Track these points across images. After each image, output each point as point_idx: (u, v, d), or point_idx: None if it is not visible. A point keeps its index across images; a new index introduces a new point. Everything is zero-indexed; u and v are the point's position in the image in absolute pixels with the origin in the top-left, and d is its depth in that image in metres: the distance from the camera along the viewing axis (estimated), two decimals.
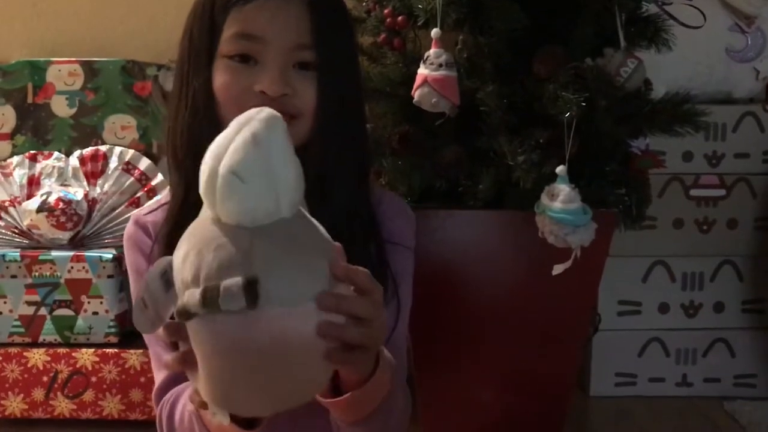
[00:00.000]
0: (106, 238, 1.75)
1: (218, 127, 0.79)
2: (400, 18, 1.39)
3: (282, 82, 0.80)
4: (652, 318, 1.89)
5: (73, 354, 1.67)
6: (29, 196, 1.76)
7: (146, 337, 0.87)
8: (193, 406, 0.69)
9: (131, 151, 1.82)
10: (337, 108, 0.84)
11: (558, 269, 1.29)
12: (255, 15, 0.80)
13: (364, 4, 1.52)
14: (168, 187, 0.95)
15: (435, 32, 1.26)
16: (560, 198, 1.24)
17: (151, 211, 0.91)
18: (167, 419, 0.81)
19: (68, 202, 1.71)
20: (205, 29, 0.82)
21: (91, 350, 1.67)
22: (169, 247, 0.78)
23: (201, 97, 0.82)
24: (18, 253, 1.67)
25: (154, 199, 0.95)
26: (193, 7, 0.86)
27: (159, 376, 0.86)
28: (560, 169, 1.25)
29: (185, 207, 0.81)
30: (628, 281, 1.88)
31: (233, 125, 0.57)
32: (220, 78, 0.81)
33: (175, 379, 0.83)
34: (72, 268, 1.66)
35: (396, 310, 0.89)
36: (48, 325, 1.68)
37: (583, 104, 1.23)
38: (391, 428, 0.79)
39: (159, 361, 0.86)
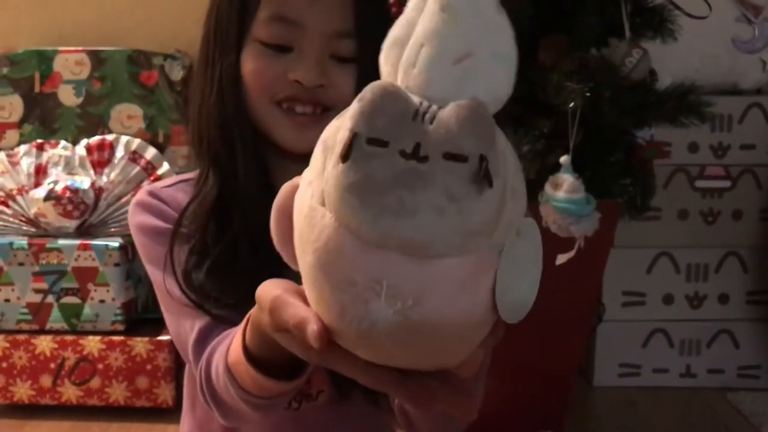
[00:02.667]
0: (113, 227, 1.76)
1: (245, 113, 0.74)
2: (405, 7, 1.39)
3: (319, 72, 0.73)
4: (656, 309, 1.90)
5: (80, 341, 1.68)
6: (36, 185, 1.77)
7: (168, 303, 0.79)
8: (223, 363, 0.63)
9: (137, 141, 1.83)
10: None
11: (561, 259, 1.29)
12: None
13: None
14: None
15: None
16: (564, 188, 1.24)
17: (167, 186, 0.84)
18: (206, 379, 0.72)
19: (75, 191, 1.72)
20: (235, 6, 0.75)
21: (98, 338, 1.69)
22: (209, 227, 0.74)
23: (228, 81, 0.75)
24: (25, 242, 1.69)
25: (169, 178, 0.90)
26: None
27: (194, 328, 0.75)
28: (564, 159, 1.25)
29: (223, 196, 0.76)
30: (632, 272, 1.88)
31: None
32: (251, 63, 0.74)
33: (212, 327, 0.74)
34: (79, 256, 1.67)
35: None
36: (55, 312, 1.69)
37: (588, 94, 1.23)
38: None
39: (191, 316, 0.76)
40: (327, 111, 0.74)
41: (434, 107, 0.40)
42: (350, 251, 0.40)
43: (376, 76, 0.76)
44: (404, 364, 0.44)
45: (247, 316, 0.57)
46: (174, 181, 0.85)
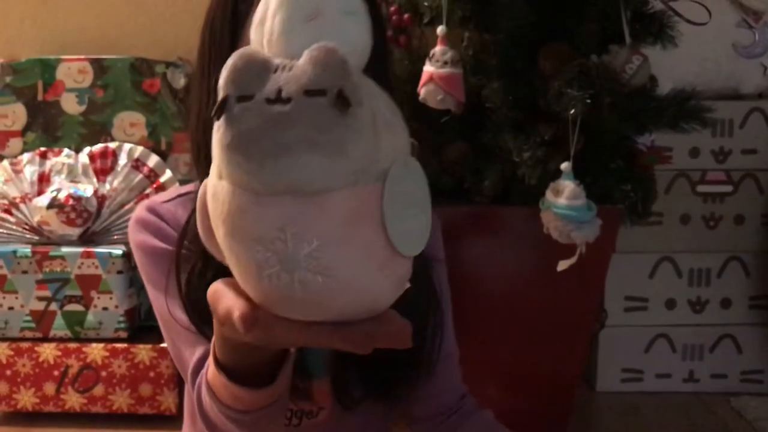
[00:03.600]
0: (116, 235, 1.77)
1: None
2: (406, 16, 1.40)
3: None
4: (658, 314, 1.89)
5: (84, 349, 1.69)
6: (40, 193, 1.78)
7: (167, 326, 0.79)
8: (204, 381, 0.64)
9: (140, 148, 1.83)
10: None
11: (563, 265, 1.29)
12: None
13: None
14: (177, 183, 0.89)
15: (441, 30, 1.26)
16: (565, 194, 1.24)
17: (167, 201, 0.84)
18: (198, 403, 0.73)
19: (78, 199, 1.73)
20: (228, 18, 0.76)
21: (101, 345, 1.69)
22: (195, 254, 0.73)
23: None
24: (29, 249, 1.70)
25: (168, 190, 0.88)
26: None
27: (193, 356, 0.77)
28: (565, 166, 1.25)
29: None
30: (634, 277, 1.88)
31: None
32: None
33: (207, 355, 0.73)
34: (82, 264, 1.68)
35: (440, 325, 0.85)
36: (59, 320, 1.70)
37: (588, 101, 1.23)
38: None
39: (189, 342, 0.78)
40: None
41: (293, 61, 0.43)
42: (248, 208, 0.43)
43: (374, 77, 0.76)
44: (333, 313, 0.46)
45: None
46: (173, 194, 0.85)
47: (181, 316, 0.76)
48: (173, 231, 0.79)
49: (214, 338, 0.59)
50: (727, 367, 1.91)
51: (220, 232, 0.46)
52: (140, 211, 0.83)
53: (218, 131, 0.43)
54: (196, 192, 0.79)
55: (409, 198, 0.45)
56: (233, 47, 0.73)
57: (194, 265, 0.74)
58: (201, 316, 0.74)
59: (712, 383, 1.91)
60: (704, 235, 1.86)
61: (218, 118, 0.43)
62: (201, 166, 0.78)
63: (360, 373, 0.78)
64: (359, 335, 0.46)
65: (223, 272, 0.64)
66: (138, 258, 0.82)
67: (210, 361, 0.62)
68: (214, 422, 0.68)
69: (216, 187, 0.45)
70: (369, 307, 0.47)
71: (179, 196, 0.84)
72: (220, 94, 0.44)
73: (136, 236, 0.82)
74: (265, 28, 0.46)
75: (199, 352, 0.76)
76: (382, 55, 0.83)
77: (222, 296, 0.50)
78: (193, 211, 0.78)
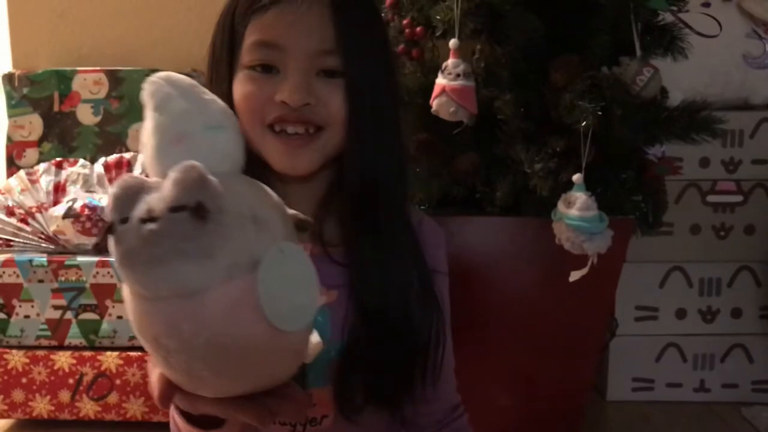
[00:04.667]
0: None
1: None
2: (418, 29, 1.41)
3: (304, 91, 0.74)
4: (669, 323, 1.90)
5: (98, 357, 1.70)
6: (55, 203, 1.80)
7: None
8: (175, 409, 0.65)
9: None
10: (370, 117, 0.77)
11: (575, 276, 1.29)
12: (274, 22, 0.75)
13: (382, 15, 1.54)
14: None
15: (453, 43, 1.28)
16: (577, 205, 1.24)
17: None
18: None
19: (93, 209, 1.74)
20: (226, 40, 0.78)
21: (116, 353, 1.70)
22: None
23: None
24: (45, 259, 1.71)
25: None
26: (218, 18, 0.82)
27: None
28: (577, 177, 1.26)
29: None
30: (645, 287, 1.88)
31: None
32: (240, 89, 0.77)
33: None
34: (97, 273, 1.70)
35: (442, 336, 0.87)
36: (74, 328, 1.71)
37: (599, 113, 1.24)
38: None
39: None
40: (320, 130, 0.76)
41: (162, 180, 0.50)
42: (144, 311, 0.50)
43: (364, 88, 0.78)
44: (239, 389, 0.53)
45: None
46: None
47: None
48: None
49: None
50: (738, 376, 1.91)
51: (133, 328, 0.53)
52: None
53: (111, 250, 0.50)
54: None
55: (286, 280, 0.51)
56: (230, 67, 0.78)
57: None
58: None
59: (723, 393, 1.91)
60: (715, 245, 1.86)
61: (105, 242, 0.52)
62: None
63: (363, 381, 0.78)
64: (261, 411, 0.53)
65: None
66: None
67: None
68: None
69: (123, 291, 0.52)
70: (270, 380, 0.54)
71: None
72: (108, 220, 0.51)
73: None
74: (145, 151, 0.54)
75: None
76: (390, 69, 0.84)
77: (151, 373, 0.57)
78: None
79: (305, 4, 0.74)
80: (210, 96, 0.57)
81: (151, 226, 0.47)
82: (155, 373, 0.55)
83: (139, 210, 0.48)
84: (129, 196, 0.49)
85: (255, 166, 0.77)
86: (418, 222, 0.88)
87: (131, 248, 0.48)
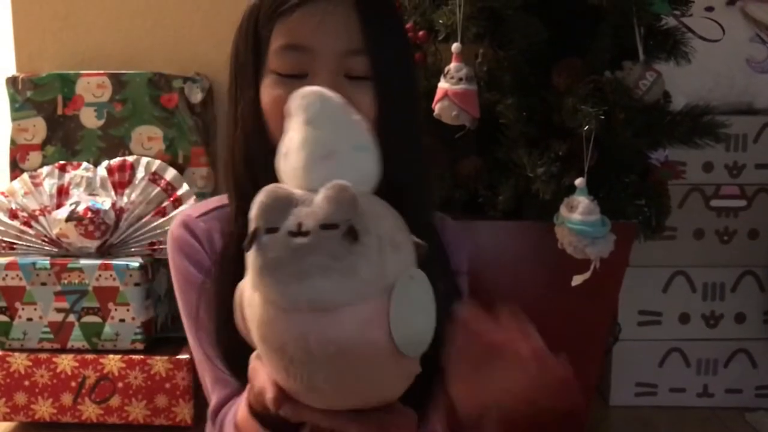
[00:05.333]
0: (133, 247, 1.78)
1: (267, 146, 0.74)
2: (421, 33, 1.42)
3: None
4: (672, 328, 1.89)
5: (101, 360, 1.70)
6: (59, 206, 1.79)
7: (197, 356, 0.83)
8: (233, 423, 0.70)
9: (157, 162, 1.85)
10: (398, 120, 0.77)
11: (577, 280, 1.30)
12: (301, 24, 0.75)
13: None
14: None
15: (455, 47, 1.28)
16: (579, 210, 1.25)
17: (202, 215, 0.86)
18: None
19: (96, 212, 1.74)
20: (250, 45, 0.78)
21: (118, 356, 1.71)
22: (230, 270, 0.75)
23: (249, 116, 0.78)
24: (48, 261, 1.71)
25: (204, 201, 0.88)
26: (240, 23, 0.81)
27: (213, 395, 0.82)
28: (579, 182, 1.26)
29: (245, 232, 0.78)
30: (648, 291, 1.88)
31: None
32: (268, 93, 0.77)
33: (226, 400, 0.80)
34: (100, 276, 1.70)
35: None
36: (76, 331, 1.71)
37: (602, 117, 1.25)
38: None
39: (211, 377, 0.82)
40: None
41: (311, 195, 0.52)
42: (276, 321, 0.52)
43: (392, 90, 0.79)
44: (351, 403, 0.56)
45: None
46: (208, 208, 0.86)
47: (209, 348, 0.79)
48: (206, 255, 0.81)
49: (248, 392, 0.66)
50: (741, 381, 1.91)
51: (253, 334, 0.55)
52: (177, 227, 0.84)
53: (251, 257, 0.52)
54: (226, 207, 0.83)
55: (414, 306, 0.54)
56: (256, 72, 0.77)
57: (220, 302, 0.76)
58: (228, 355, 0.77)
59: (727, 398, 1.91)
60: (718, 250, 1.86)
61: (249, 248, 0.52)
62: (229, 182, 0.82)
63: None
64: (372, 425, 0.56)
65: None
66: (173, 276, 0.85)
67: (242, 408, 0.68)
68: None
69: (252, 297, 0.54)
70: (380, 398, 0.57)
71: (214, 209, 0.86)
72: (251, 226, 0.52)
73: (173, 256, 0.84)
74: (289, 161, 0.56)
75: (221, 393, 0.80)
76: (413, 71, 0.84)
77: (258, 374, 0.60)
78: (224, 246, 0.80)
79: (331, 4, 0.75)
80: (357, 116, 0.59)
81: (301, 240, 0.50)
82: (261, 377, 0.59)
83: (290, 223, 0.51)
84: (278, 206, 0.52)
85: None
86: (440, 224, 0.89)
87: (277, 259, 0.50)
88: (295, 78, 0.75)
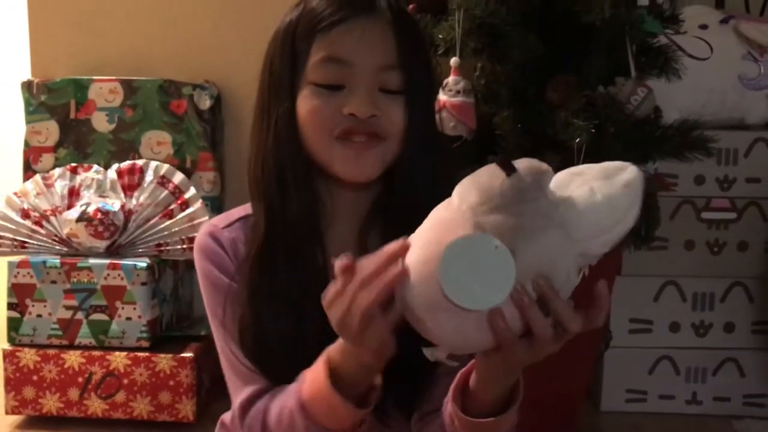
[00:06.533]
0: (141, 248, 1.83)
1: (300, 154, 0.81)
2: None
3: (371, 104, 0.79)
4: (663, 336, 1.93)
5: (107, 356, 1.76)
6: (69, 207, 1.84)
7: (224, 356, 0.87)
8: (294, 402, 0.75)
9: (166, 166, 1.90)
10: (424, 130, 0.83)
11: None
12: (342, 39, 0.79)
13: None
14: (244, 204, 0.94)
15: (454, 61, 1.34)
16: None
17: (227, 226, 0.89)
18: (261, 427, 0.81)
19: (106, 213, 1.79)
20: (287, 57, 0.82)
21: (124, 353, 1.76)
22: (255, 274, 0.82)
23: (284, 126, 0.82)
24: (58, 260, 1.77)
25: (228, 213, 0.93)
26: (273, 36, 0.85)
27: (242, 392, 0.85)
28: None
29: (270, 236, 0.82)
30: (640, 300, 1.92)
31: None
32: (307, 104, 0.80)
33: (258, 394, 0.83)
34: (108, 275, 1.75)
35: None
36: (84, 328, 1.77)
37: (593, 130, 1.30)
38: None
39: (240, 375, 0.85)
40: (382, 140, 0.81)
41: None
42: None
43: (422, 104, 0.85)
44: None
45: (324, 354, 0.73)
46: (233, 219, 0.90)
47: (235, 348, 0.84)
48: (231, 263, 0.86)
49: (333, 355, 0.73)
50: (729, 390, 1.94)
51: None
52: (203, 236, 0.89)
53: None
54: (250, 217, 0.87)
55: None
56: (293, 83, 0.81)
57: (246, 304, 0.82)
58: (253, 355, 0.83)
59: (715, 406, 1.94)
60: (708, 261, 1.90)
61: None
62: (254, 190, 0.85)
63: (392, 390, 0.82)
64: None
65: (272, 312, 0.80)
66: (201, 282, 0.89)
67: (312, 384, 0.74)
68: None
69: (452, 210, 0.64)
70: None
71: (238, 220, 0.90)
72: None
73: (199, 262, 0.88)
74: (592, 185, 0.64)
75: (252, 389, 0.84)
76: (435, 87, 0.93)
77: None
78: (247, 252, 0.84)
79: (369, 21, 0.80)
80: None
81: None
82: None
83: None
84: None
85: (315, 176, 0.83)
86: None
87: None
88: (333, 89, 0.80)
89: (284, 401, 0.78)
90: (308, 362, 0.76)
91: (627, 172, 0.65)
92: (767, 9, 2.28)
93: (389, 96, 0.81)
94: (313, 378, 0.74)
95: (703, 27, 1.92)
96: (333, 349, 0.73)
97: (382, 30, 0.80)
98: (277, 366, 0.81)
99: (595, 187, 0.64)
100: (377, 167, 0.82)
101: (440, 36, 1.39)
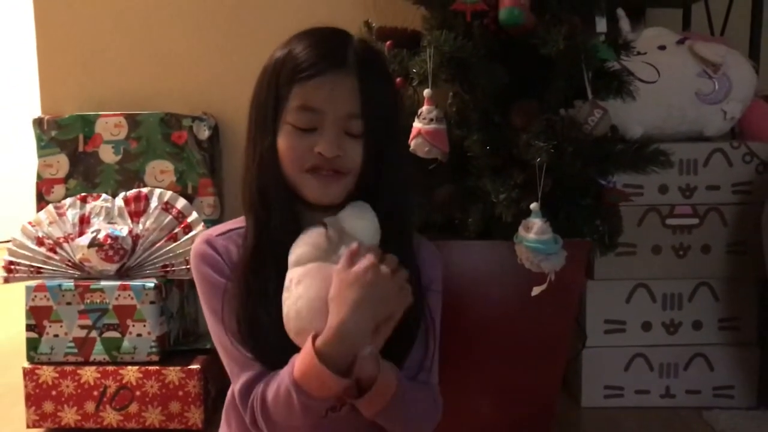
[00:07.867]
0: (149, 269, 1.92)
1: (281, 178, 0.97)
2: (399, 79, 1.59)
3: (336, 146, 0.93)
4: (636, 335, 2.01)
5: (120, 371, 1.85)
6: (81, 233, 1.92)
7: (222, 347, 0.99)
8: (288, 381, 0.87)
9: (169, 193, 1.98)
10: (386, 167, 0.97)
11: (536, 291, 1.44)
12: (315, 90, 0.92)
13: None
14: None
15: (427, 92, 1.45)
16: (534, 230, 1.40)
17: (221, 234, 1.01)
18: (261, 406, 0.93)
19: (115, 238, 1.87)
20: (271, 98, 0.95)
21: (136, 367, 1.85)
22: (248, 274, 0.96)
23: (267, 156, 0.95)
24: (72, 284, 1.86)
25: (223, 224, 1.04)
26: (262, 72, 0.98)
27: (241, 377, 0.96)
28: (534, 206, 1.41)
29: (259, 243, 0.96)
30: (613, 302, 2.01)
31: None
32: (286, 141, 0.94)
33: (255, 378, 0.95)
34: (119, 295, 1.84)
35: (426, 346, 1.04)
36: (98, 345, 1.85)
37: (552, 150, 1.41)
38: (411, 419, 0.97)
39: (238, 363, 0.96)
40: (344, 176, 0.96)
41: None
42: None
43: (378, 147, 0.99)
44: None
45: (309, 340, 0.88)
46: (226, 229, 1.03)
47: (232, 338, 0.97)
48: (226, 265, 0.99)
49: (319, 340, 0.87)
50: (700, 383, 2.02)
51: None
52: (199, 244, 1.02)
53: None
54: (243, 227, 1.01)
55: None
56: (275, 121, 0.96)
57: (241, 301, 0.96)
58: (248, 345, 0.96)
59: (687, 398, 2.02)
60: (675, 264, 1.98)
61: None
62: (245, 205, 1.00)
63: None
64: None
65: (264, 306, 0.93)
66: (199, 287, 1.02)
67: (302, 364, 0.87)
68: (275, 420, 0.92)
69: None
70: None
71: (231, 230, 1.03)
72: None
73: (197, 267, 1.01)
74: None
75: (250, 373, 0.96)
76: (398, 122, 1.05)
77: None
78: (241, 256, 0.98)
79: (340, 74, 0.94)
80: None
81: None
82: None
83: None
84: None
85: (293, 201, 0.98)
86: (417, 244, 1.07)
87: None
88: (307, 131, 0.94)
89: (279, 382, 0.91)
90: (295, 348, 0.90)
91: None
92: (727, 28, 2.43)
93: (352, 139, 0.96)
94: (303, 359, 0.88)
95: (662, 48, 2.03)
96: (318, 338, 0.87)
97: (351, 83, 0.94)
98: (268, 352, 0.94)
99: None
100: (339, 194, 0.97)
101: (414, 69, 1.49)
